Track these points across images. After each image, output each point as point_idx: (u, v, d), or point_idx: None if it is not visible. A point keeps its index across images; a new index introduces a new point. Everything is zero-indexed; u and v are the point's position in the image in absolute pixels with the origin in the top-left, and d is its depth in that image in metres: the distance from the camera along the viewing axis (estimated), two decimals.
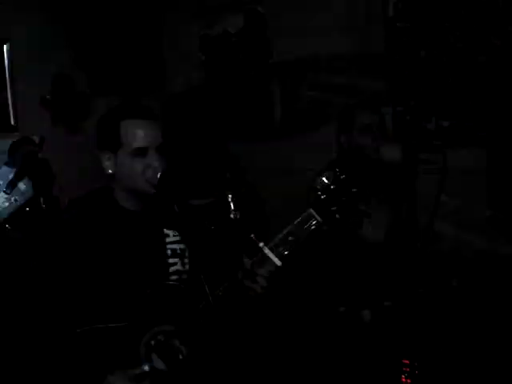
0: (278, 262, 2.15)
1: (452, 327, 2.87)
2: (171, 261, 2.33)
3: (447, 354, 2.83)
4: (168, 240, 2.36)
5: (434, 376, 2.78)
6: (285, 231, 2.15)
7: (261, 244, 2.17)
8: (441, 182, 2.44)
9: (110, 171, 2.28)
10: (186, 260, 2.36)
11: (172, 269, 2.33)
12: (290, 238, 2.14)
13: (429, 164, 2.50)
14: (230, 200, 2.29)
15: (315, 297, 2.93)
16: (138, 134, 2.22)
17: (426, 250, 2.54)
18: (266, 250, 2.16)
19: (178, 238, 2.38)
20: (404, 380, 2.77)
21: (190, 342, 2.18)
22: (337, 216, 2.11)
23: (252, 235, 2.17)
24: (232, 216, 2.28)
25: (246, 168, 3.17)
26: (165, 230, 2.37)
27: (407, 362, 2.77)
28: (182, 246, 2.38)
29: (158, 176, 2.21)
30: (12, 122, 4.46)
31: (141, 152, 2.22)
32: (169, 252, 2.34)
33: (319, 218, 2.12)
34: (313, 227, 2.13)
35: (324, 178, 2.10)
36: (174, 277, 2.33)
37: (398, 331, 2.78)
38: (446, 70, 3.91)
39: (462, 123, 3.87)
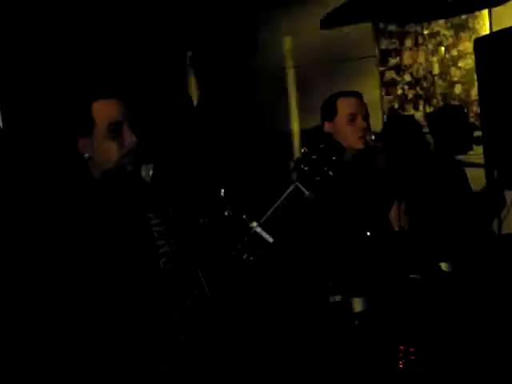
0: (270, 239, 2.24)
1: (447, 312, 2.94)
2: (159, 242, 2.38)
3: (443, 339, 2.88)
4: (152, 222, 2.40)
5: (430, 362, 2.84)
6: (273, 207, 2.25)
7: (254, 223, 2.26)
8: None
9: (87, 155, 2.29)
10: (172, 241, 2.40)
11: (161, 250, 2.37)
12: (280, 214, 2.24)
13: None
14: (222, 195, 2.37)
15: (308, 279, 2.99)
16: (112, 110, 2.28)
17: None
18: (258, 229, 2.25)
19: (158, 221, 2.41)
20: (401, 366, 2.83)
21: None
22: (321, 186, 2.22)
23: (244, 216, 2.27)
24: (226, 213, 2.36)
25: None
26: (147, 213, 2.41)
27: (402, 348, 2.85)
28: (162, 228, 2.41)
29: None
30: None
31: (115, 128, 2.28)
32: (155, 234, 2.38)
33: (306, 191, 2.23)
34: (300, 200, 2.24)
35: (305, 148, 2.23)
36: (163, 259, 2.37)
37: (394, 317, 2.84)
38: None
39: None
